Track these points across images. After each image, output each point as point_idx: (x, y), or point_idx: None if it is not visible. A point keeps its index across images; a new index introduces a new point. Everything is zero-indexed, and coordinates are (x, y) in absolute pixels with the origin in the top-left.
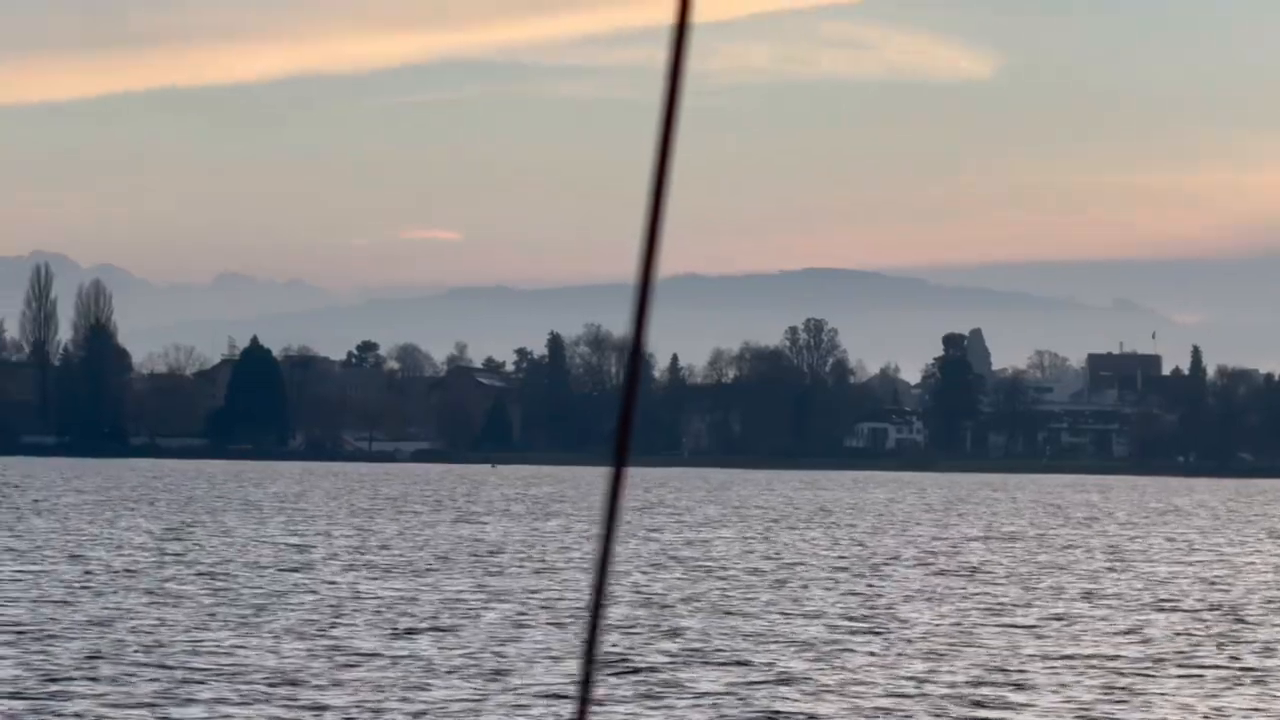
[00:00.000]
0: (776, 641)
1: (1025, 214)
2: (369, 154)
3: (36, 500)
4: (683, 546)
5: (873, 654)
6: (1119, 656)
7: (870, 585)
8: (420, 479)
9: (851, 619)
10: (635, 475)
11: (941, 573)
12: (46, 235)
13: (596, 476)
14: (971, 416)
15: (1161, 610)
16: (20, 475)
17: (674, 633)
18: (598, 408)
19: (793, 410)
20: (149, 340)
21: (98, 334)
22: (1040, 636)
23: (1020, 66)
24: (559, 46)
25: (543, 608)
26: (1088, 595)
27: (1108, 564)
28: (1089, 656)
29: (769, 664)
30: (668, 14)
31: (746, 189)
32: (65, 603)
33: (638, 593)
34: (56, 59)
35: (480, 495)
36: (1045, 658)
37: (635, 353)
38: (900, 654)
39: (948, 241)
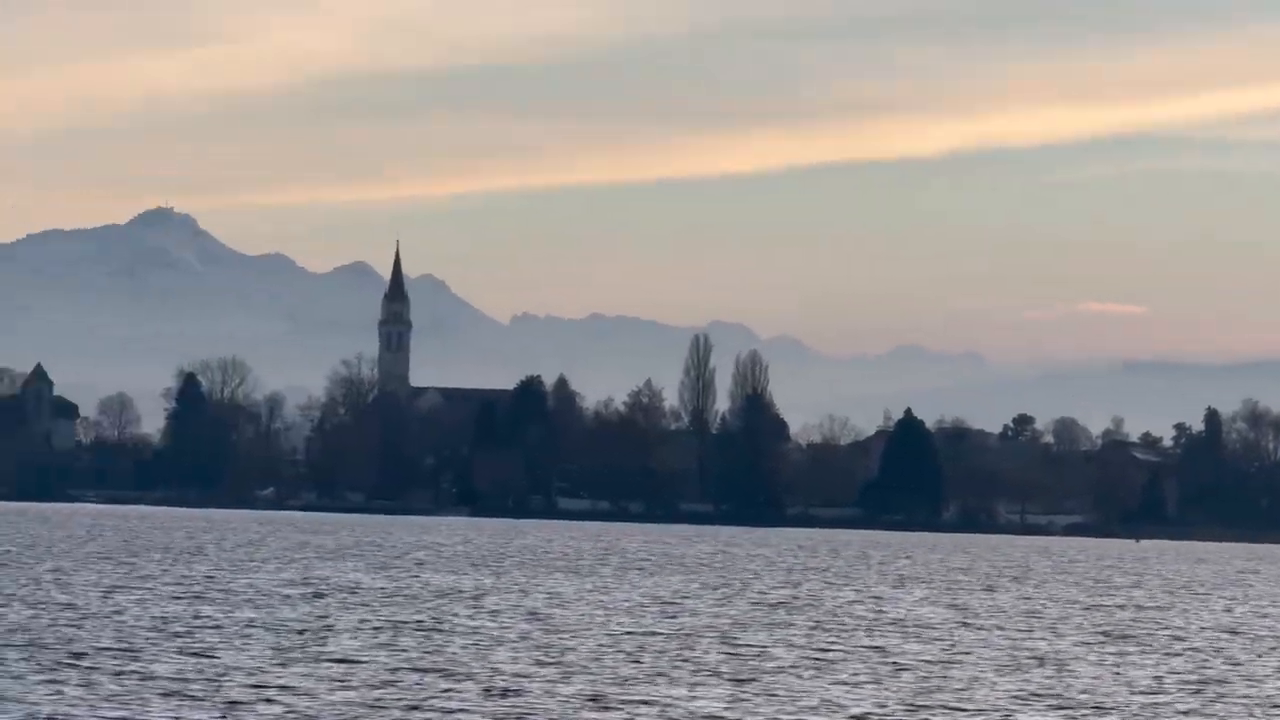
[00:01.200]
0: None
1: None
2: (1045, 227)
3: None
4: None
5: None
6: None
7: None
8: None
9: None
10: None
11: None
12: (728, 306)
13: (1240, 552)
14: None
15: None
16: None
17: None
18: (1254, 485)
19: None
20: (813, 411)
21: (752, 404)
22: None
23: None
24: (1222, 122)
25: None
26: None
27: None
28: None
29: None
30: None
31: None
32: None
33: None
34: (737, 132)
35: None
36: None
37: None
38: None
39: None
